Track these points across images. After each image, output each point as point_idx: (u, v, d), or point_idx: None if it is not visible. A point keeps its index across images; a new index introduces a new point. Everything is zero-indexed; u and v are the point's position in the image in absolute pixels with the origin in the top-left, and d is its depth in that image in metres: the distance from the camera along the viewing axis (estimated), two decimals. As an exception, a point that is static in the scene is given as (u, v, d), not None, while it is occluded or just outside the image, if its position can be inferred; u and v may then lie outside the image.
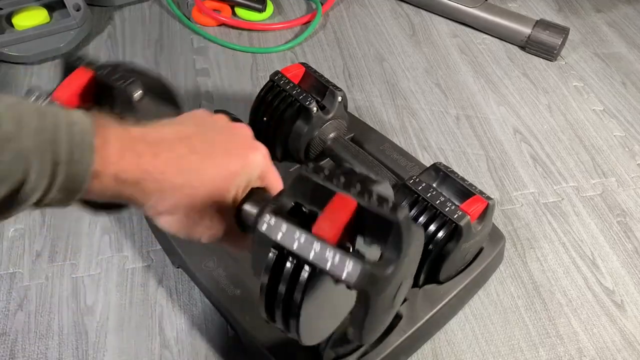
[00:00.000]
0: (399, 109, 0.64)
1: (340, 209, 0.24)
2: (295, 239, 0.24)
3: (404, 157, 0.52)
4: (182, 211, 0.27)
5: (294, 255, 0.25)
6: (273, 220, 0.25)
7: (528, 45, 0.71)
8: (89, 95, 0.33)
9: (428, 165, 0.45)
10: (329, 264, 0.24)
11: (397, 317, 0.40)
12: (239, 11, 0.74)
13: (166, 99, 0.35)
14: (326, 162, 0.53)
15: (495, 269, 0.49)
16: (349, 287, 0.24)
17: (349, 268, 0.23)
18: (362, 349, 0.39)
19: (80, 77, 0.32)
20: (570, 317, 0.46)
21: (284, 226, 0.25)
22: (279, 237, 0.25)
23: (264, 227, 0.25)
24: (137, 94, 0.32)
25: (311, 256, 0.24)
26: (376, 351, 0.39)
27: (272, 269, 0.25)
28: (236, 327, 0.41)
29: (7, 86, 0.65)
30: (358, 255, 0.24)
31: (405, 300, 0.41)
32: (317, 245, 0.24)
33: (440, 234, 0.40)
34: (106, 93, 0.33)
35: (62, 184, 0.22)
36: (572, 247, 0.52)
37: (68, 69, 0.33)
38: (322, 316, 0.29)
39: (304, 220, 0.25)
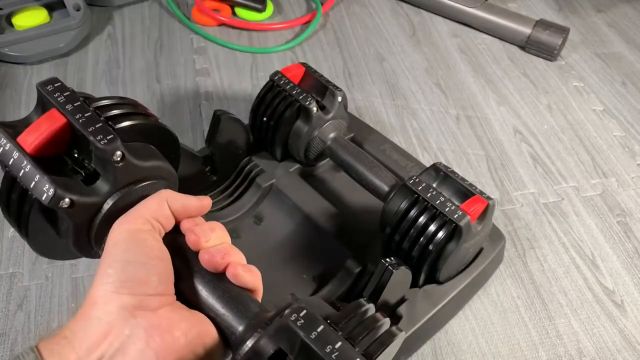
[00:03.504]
0: (399, 109, 0.64)
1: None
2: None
3: (404, 157, 0.52)
4: None
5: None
6: None
7: (528, 46, 0.71)
8: (63, 142, 0.29)
9: (428, 166, 0.45)
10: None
11: (397, 318, 0.40)
12: (239, 11, 0.74)
13: (162, 146, 0.32)
14: (326, 162, 0.53)
15: (495, 269, 0.49)
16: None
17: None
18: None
19: (53, 122, 0.28)
20: (570, 317, 0.46)
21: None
22: None
23: None
24: (116, 155, 0.28)
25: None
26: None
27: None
28: None
29: (7, 86, 0.65)
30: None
31: (404, 300, 0.41)
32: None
33: (440, 234, 0.40)
34: (83, 144, 0.29)
35: None
36: (572, 247, 0.52)
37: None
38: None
39: None
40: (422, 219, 0.40)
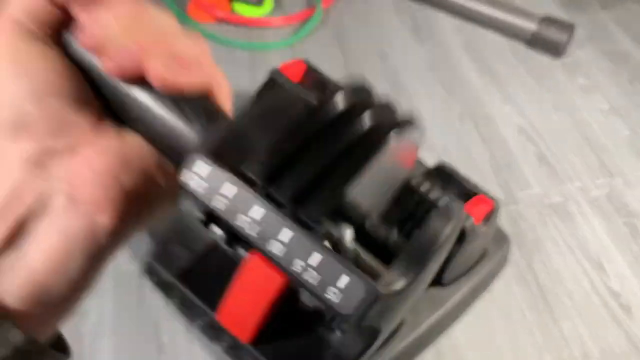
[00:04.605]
0: (401, 107, 0.63)
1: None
2: None
3: (407, 156, 0.51)
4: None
5: None
6: None
7: (533, 42, 0.70)
8: None
9: (431, 165, 0.44)
10: None
11: (400, 322, 0.39)
12: (237, 6, 0.73)
13: None
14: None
15: (500, 271, 0.48)
16: None
17: None
18: (364, 356, 0.38)
19: None
20: (575, 320, 0.46)
21: None
22: None
23: None
24: None
25: None
26: (379, 356, 0.38)
27: None
28: None
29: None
30: None
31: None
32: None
33: (444, 236, 0.39)
34: None
35: None
36: (578, 249, 0.51)
37: None
38: None
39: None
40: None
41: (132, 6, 0.17)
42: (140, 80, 0.18)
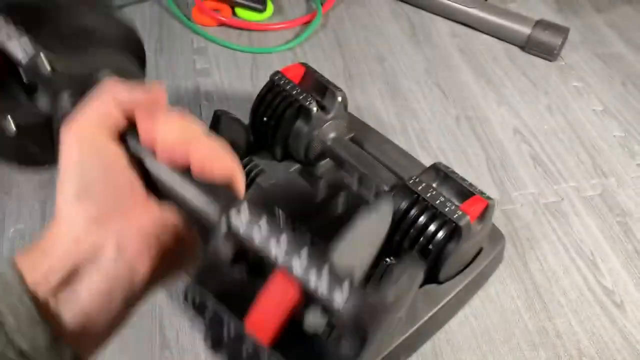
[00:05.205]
0: (399, 109, 0.64)
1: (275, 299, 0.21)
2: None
3: (404, 157, 0.52)
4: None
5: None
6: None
7: (528, 46, 0.71)
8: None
9: (428, 165, 0.45)
10: None
11: (397, 318, 0.40)
12: (239, 11, 0.74)
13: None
14: (326, 163, 0.53)
15: (495, 269, 0.49)
16: None
17: None
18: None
19: None
20: (570, 317, 0.46)
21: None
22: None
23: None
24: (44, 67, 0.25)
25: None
26: (376, 351, 0.39)
27: None
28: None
29: None
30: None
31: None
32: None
33: (440, 234, 0.40)
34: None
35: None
36: (572, 247, 0.52)
37: None
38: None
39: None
40: (422, 219, 0.40)
41: (179, 117, 0.24)
42: (183, 169, 0.24)
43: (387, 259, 0.37)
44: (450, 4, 0.75)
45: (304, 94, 0.47)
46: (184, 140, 0.23)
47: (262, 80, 0.50)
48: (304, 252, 0.21)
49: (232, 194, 0.24)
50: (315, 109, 0.47)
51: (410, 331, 0.40)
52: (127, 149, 0.24)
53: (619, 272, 0.50)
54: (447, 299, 0.42)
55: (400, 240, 0.41)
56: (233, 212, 0.22)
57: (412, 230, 0.40)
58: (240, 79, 0.66)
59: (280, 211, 0.23)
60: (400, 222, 0.41)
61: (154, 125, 0.23)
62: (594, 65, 0.71)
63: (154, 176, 0.24)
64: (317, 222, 0.24)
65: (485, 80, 0.68)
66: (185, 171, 0.24)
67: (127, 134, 0.24)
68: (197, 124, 0.24)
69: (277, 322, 0.20)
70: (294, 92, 0.47)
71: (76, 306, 0.22)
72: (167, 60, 0.68)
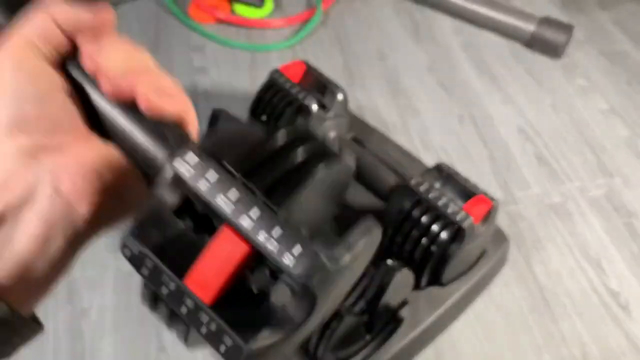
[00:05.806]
0: (401, 107, 0.63)
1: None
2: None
3: (406, 156, 0.52)
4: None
5: None
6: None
7: (532, 43, 0.70)
8: None
9: (431, 165, 0.44)
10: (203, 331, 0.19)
11: (399, 321, 0.39)
12: (238, 8, 0.74)
13: None
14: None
15: (499, 271, 0.48)
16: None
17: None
18: (363, 352, 0.38)
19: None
20: (575, 320, 0.46)
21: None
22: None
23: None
24: None
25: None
26: (378, 355, 0.38)
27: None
28: None
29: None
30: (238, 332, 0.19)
31: (406, 303, 0.40)
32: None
33: (443, 236, 0.39)
34: None
35: None
36: (577, 249, 0.51)
37: None
38: None
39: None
40: (424, 220, 0.39)
41: (127, 45, 0.22)
42: (129, 103, 0.21)
43: (389, 260, 0.37)
44: (453, 1, 0.74)
45: (304, 92, 0.46)
46: (131, 70, 0.21)
47: (261, 78, 0.50)
48: (255, 208, 0.19)
49: (182, 136, 0.21)
50: (315, 107, 0.46)
51: (413, 334, 0.40)
52: (68, 77, 0.21)
53: (624, 273, 0.49)
54: (450, 301, 0.42)
55: (402, 242, 0.40)
56: (179, 158, 0.20)
57: (414, 232, 0.40)
58: (238, 77, 0.65)
59: (232, 162, 0.21)
60: (402, 223, 0.40)
61: (99, 50, 0.21)
62: (599, 63, 0.70)
63: (96, 109, 0.22)
64: (273, 174, 0.22)
65: (489, 78, 0.67)
66: (132, 106, 0.21)
67: (68, 60, 0.22)
68: (146, 54, 0.22)
69: (221, 280, 0.19)
70: (293, 91, 0.47)
71: (10, 253, 0.19)
72: (164, 58, 0.67)
